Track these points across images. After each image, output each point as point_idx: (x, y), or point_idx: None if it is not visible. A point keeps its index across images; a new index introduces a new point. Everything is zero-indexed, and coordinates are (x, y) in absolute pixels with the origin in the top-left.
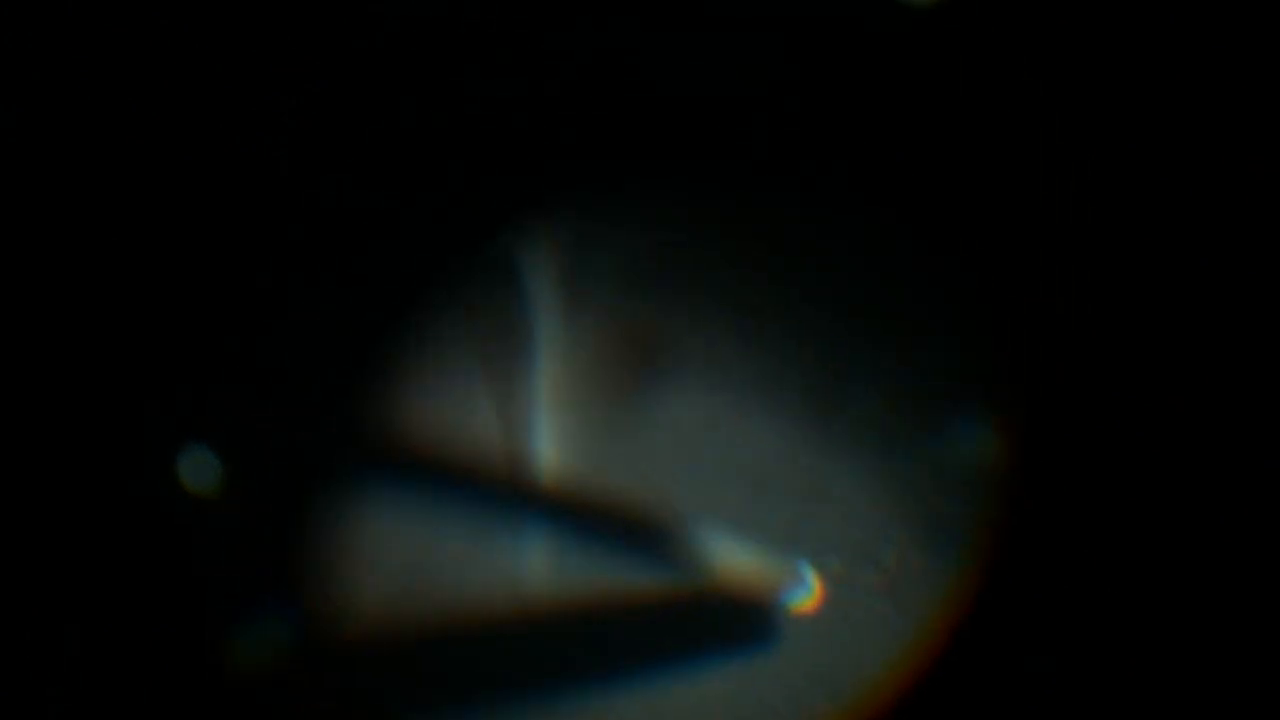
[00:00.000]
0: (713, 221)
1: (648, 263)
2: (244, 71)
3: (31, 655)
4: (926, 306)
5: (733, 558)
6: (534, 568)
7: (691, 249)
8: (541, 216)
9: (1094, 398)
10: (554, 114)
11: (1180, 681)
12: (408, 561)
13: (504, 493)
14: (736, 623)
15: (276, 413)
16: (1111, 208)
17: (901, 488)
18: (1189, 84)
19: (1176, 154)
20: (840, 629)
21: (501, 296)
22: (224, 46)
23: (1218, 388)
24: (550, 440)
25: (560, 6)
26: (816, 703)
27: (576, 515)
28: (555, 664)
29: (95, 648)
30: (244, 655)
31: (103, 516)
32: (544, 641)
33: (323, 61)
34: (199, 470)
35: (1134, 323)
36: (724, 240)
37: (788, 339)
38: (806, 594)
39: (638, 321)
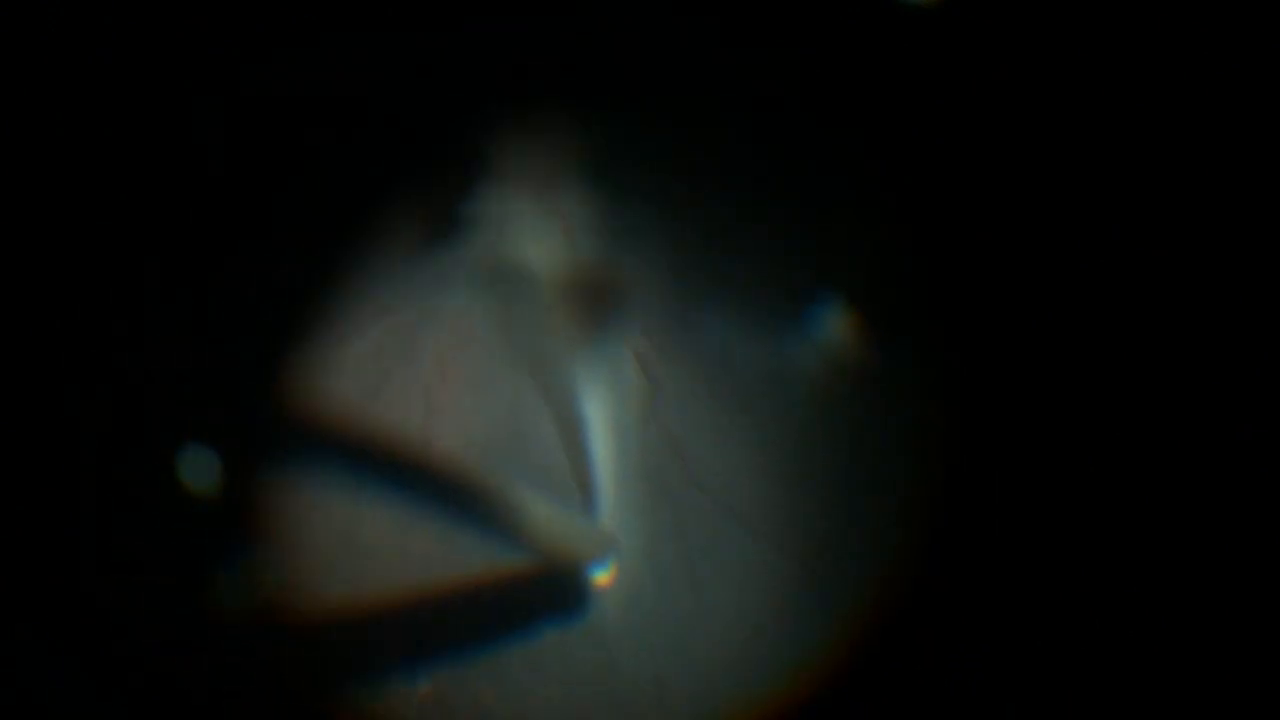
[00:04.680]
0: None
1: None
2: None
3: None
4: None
5: (547, 528)
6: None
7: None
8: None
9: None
10: (553, 110)
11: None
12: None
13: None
14: (551, 598)
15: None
16: (1100, 205)
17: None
18: (1188, 84)
19: (1174, 153)
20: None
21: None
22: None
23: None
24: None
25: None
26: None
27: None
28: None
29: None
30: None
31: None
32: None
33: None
34: (197, 466)
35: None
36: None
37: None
38: (607, 568)
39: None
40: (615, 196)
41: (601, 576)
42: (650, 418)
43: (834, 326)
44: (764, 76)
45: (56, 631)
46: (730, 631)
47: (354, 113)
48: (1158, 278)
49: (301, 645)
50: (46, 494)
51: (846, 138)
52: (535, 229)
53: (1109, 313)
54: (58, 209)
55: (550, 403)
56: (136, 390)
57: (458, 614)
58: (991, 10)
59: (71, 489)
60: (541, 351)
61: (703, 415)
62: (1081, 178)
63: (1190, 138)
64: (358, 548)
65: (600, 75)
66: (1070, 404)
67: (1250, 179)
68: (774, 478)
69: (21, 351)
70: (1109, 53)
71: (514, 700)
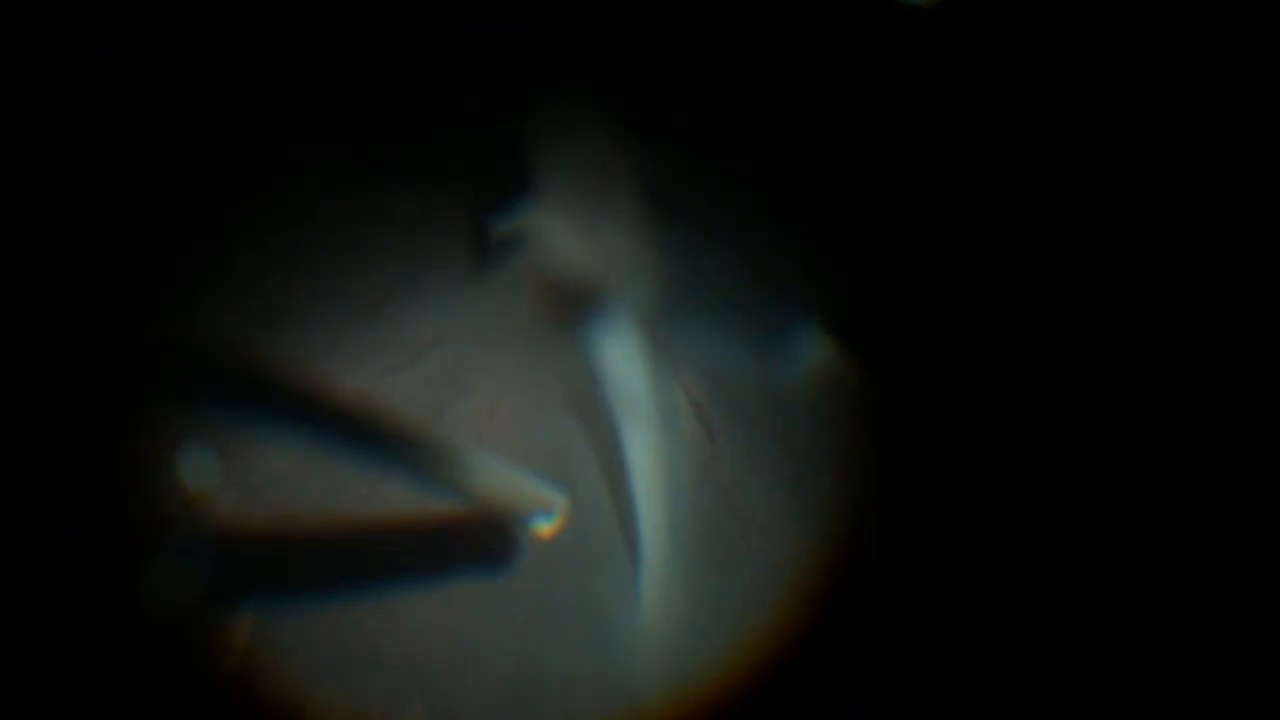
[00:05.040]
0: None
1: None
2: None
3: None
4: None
5: (493, 481)
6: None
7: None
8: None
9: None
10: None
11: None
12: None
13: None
14: (484, 545)
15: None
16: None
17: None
18: (1188, 84)
19: (1173, 153)
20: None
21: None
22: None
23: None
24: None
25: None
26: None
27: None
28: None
29: None
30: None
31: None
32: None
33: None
34: (198, 467)
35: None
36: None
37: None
38: (551, 520)
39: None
40: (655, 222)
41: (544, 528)
42: (706, 473)
43: (837, 342)
44: (764, 76)
45: (56, 631)
46: (776, 688)
47: (392, 138)
48: (1156, 280)
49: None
50: (46, 494)
51: (846, 139)
52: (574, 248)
53: (1107, 317)
54: (59, 209)
55: (599, 452)
56: (136, 390)
57: (392, 550)
58: (991, 10)
59: (71, 489)
60: (592, 396)
61: (757, 472)
62: (1080, 180)
63: (1190, 140)
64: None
65: (600, 75)
66: (1068, 408)
67: (1250, 180)
68: (815, 526)
69: (21, 351)
70: (1109, 54)
71: None
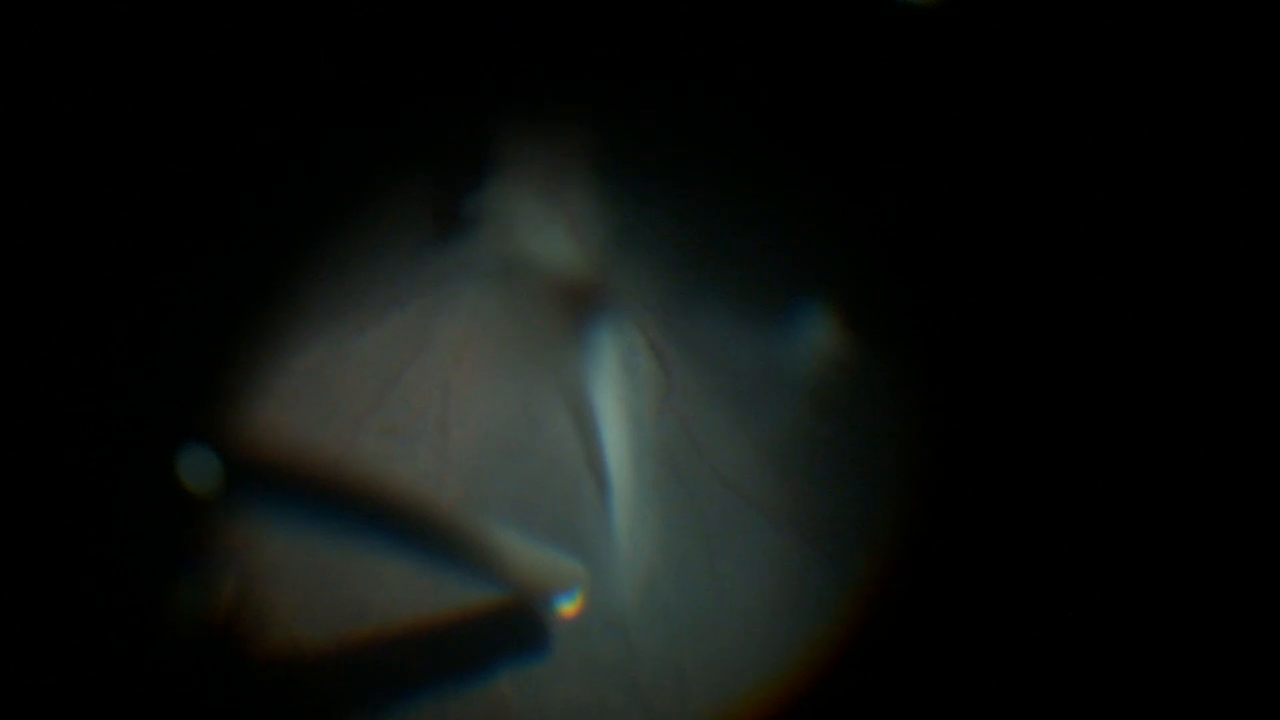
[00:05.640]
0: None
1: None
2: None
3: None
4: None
5: (514, 560)
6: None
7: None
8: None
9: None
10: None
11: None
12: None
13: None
14: (520, 630)
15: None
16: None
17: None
18: (1188, 84)
19: (1172, 153)
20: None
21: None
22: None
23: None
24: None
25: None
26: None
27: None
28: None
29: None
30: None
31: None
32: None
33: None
34: (197, 469)
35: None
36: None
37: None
38: (573, 599)
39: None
40: (615, 192)
41: (567, 608)
42: (664, 406)
43: (826, 321)
44: (764, 76)
45: (56, 631)
46: (749, 618)
47: (352, 109)
48: (1154, 278)
49: (262, 673)
50: (46, 494)
51: (845, 137)
52: (541, 222)
53: (1102, 310)
54: (59, 209)
55: (564, 391)
56: (136, 390)
57: (419, 654)
58: (991, 10)
59: (71, 489)
60: (554, 340)
61: (712, 403)
62: (1079, 178)
63: (1190, 140)
64: (325, 575)
65: (600, 74)
66: (1057, 396)
67: (1249, 180)
68: (781, 465)
69: (22, 351)
70: (1109, 54)
71: (532, 693)
